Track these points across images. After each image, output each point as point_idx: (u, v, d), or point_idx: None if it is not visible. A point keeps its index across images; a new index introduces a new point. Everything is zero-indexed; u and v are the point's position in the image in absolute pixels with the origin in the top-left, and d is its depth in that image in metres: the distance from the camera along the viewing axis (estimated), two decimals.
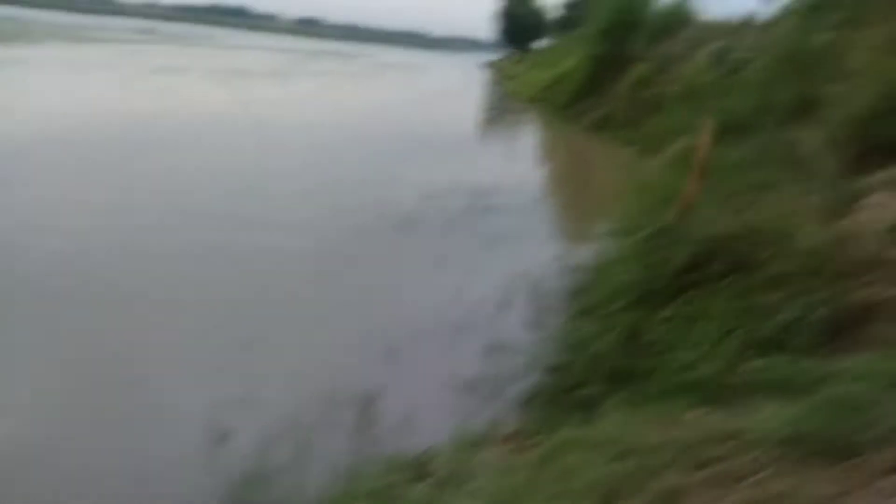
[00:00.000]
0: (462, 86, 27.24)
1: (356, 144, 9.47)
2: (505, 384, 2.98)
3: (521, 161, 10.08)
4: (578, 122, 12.83)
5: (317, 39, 79.38)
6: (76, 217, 4.94)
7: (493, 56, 54.07)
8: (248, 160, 7.79)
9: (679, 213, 3.00)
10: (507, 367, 3.10)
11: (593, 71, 13.18)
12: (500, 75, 32.89)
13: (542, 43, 37.33)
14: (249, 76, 19.56)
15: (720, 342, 2.15)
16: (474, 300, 3.87)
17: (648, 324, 2.52)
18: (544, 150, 11.83)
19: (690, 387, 2.01)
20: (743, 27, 10.78)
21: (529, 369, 3.02)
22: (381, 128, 11.44)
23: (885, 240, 2.23)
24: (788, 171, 3.13)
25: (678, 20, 12.42)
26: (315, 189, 6.52)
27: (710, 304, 2.38)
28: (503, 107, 19.76)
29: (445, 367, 3.15)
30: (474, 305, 3.81)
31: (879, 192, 2.64)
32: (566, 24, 30.39)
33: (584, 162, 10.69)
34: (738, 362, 1.98)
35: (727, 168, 3.55)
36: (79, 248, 4.30)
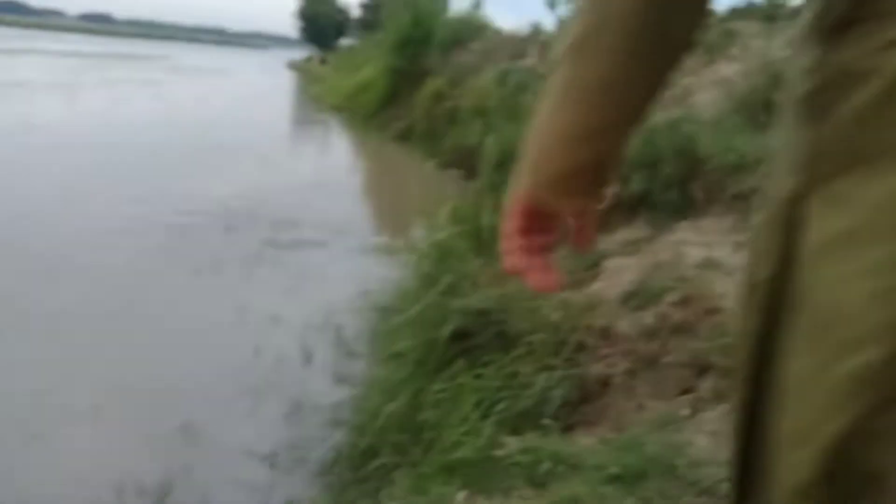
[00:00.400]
0: (266, 91, 26.55)
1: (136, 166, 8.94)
2: (306, 452, 3.07)
3: (328, 178, 10.10)
4: (383, 132, 13.08)
5: (107, 38, 73.88)
6: None
7: (296, 54, 53.04)
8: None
9: (457, 274, 3.23)
10: (308, 432, 3.18)
11: (393, 82, 13.49)
12: (305, 78, 32.55)
13: (346, 41, 37.39)
14: (27, 89, 17.48)
15: (484, 418, 2.36)
16: (276, 355, 3.89)
17: (427, 393, 2.71)
18: (351, 165, 11.94)
19: (457, 466, 2.21)
20: (532, 38, 11.53)
21: (328, 435, 3.13)
22: (179, 143, 10.94)
23: (618, 310, 2.55)
24: None
25: (470, 31, 13.03)
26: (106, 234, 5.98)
27: (479, 376, 2.60)
28: (309, 117, 19.52)
29: (245, 437, 3.14)
30: (276, 361, 3.84)
31: (616, 255, 3.02)
32: (368, 23, 30.70)
33: (388, 179, 10.88)
34: (496, 440, 2.19)
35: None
36: None
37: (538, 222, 0.69)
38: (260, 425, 3.32)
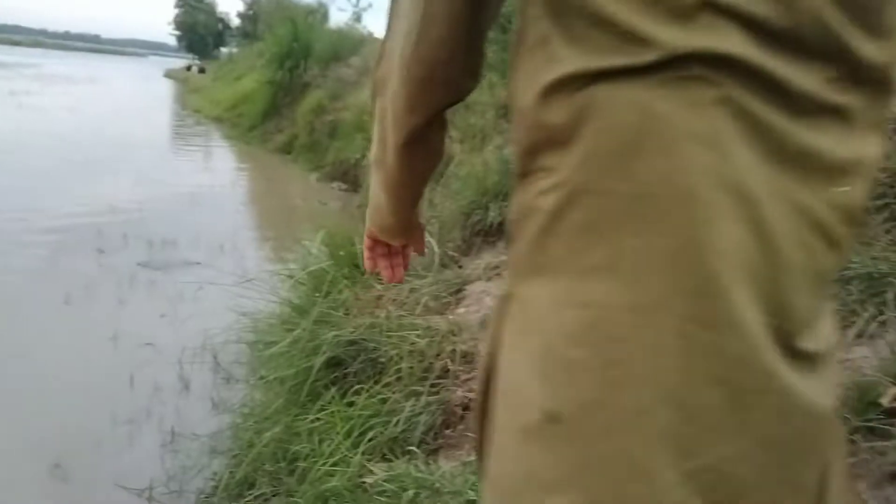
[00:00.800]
0: (143, 101, 25.41)
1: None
2: (184, 483, 3.07)
3: (208, 194, 9.86)
4: (264, 145, 12.96)
5: None
6: None
7: (173, 63, 51.17)
8: None
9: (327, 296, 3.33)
10: (186, 462, 3.17)
11: (273, 94, 13.39)
12: (183, 87, 31.54)
13: (225, 50, 36.44)
14: None
15: (355, 446, 2.49)
16: (152, 383, 3.84)
17: (302, 421, 2.80)
18: (232, 180, 11.72)
19: (329, 496, 2.32)
20: None
21: (206, 465, 3.14)
22: (47, 158, 10.36)
23: (479, 334, 2.73)
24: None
25: (350, 44, 13.13)
26: None
27: (351, 404, 2.72)
28: (188, 129, 18.84)
29: (119, 471, 3.09)
30: (152, 390, 3.79)
31: (478, 280, 3.23)
32: (247, 32, 30.10)
33: (270, 194, 10.75)
34: (365, 468, 2.32)
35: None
36: None
37: (383, 245, 1.11)
38: (135, 458, 3.28)
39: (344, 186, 9.75)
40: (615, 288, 0.63)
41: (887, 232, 2.69)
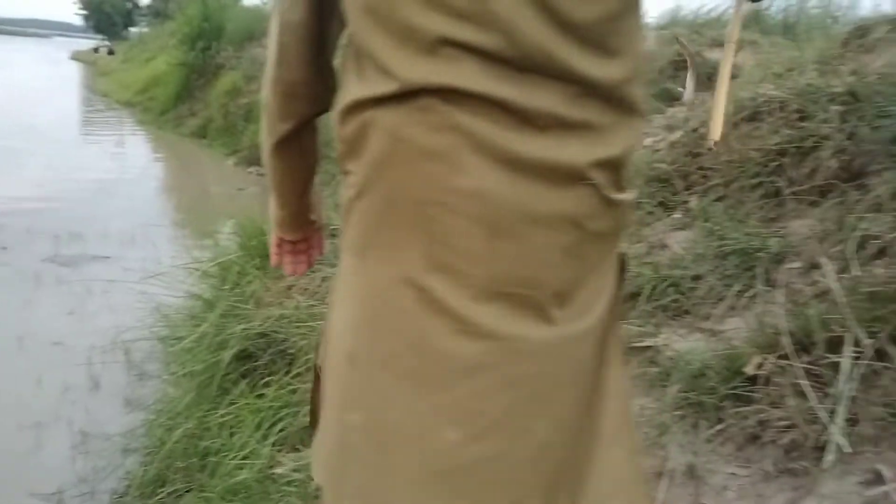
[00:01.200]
0: (49, 85, 24.14)
1: None
2: (95, 484, 3.05)
3: (119, 183, 9.54)
4: (178, 129, 12.61)
5: None
6: None
7: (81, 44, 48.77)
8: None
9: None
10: (98, 462, 3.14)
11: (185, 77, 13.00)
12: (91, 70, 30.18)
13: (135, 30, 35.00)
14: None
15: (265, 438, 2.53)
16: (61, 383, 3.76)
17: (213, 416, 2.83)
18: (144, 166, 11.35)
19: (239, 489, 2.37)
20: None
21: (119, 464, 3.12)
22: None
23: None
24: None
25: (264, 24, 12.81)
26: None
27: (260, 396, 2.76)
28: (98, 114, 18.04)
29: (28, 477, 3.04)
30: (61, 390, 3.72)
31: None
32: (158, 12, 28.99)
33: (184, 180, 10.43)
34: (275, 460, 2.37)
35: None
36: None
37: (289, 242, 1.23)
38: (45, 461, 3.23)
39: (262, 171, 9.57)
40: (379, 266, 0.85)
41: (760, 209, 2.89)
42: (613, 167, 0.86)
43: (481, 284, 0.81)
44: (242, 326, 2.91)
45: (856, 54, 3.23)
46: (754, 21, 6.05)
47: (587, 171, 0.82)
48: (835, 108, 2.87)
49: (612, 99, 0.84)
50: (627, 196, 0.91)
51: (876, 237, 2.23)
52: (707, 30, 5.78)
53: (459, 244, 0.80)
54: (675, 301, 2.71)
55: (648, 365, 2.44)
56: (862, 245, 2.27)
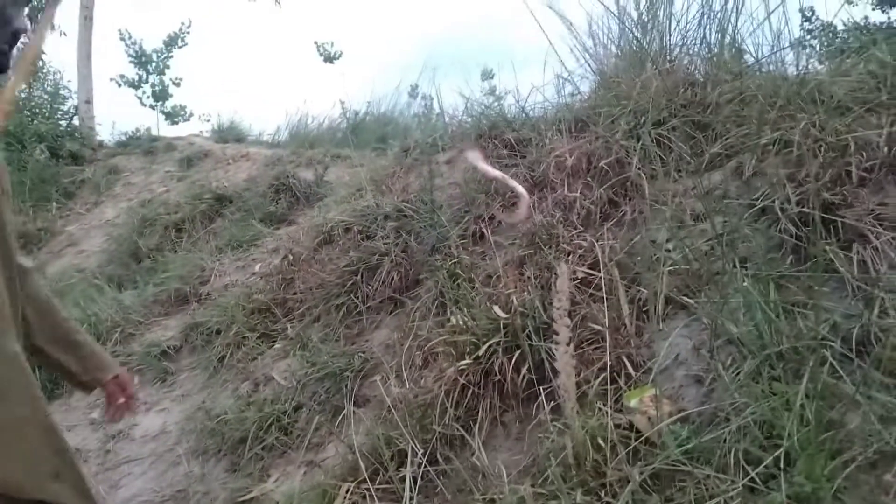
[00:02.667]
0: None
1: None
2: None
3: None
4: None
5: None
6: None
7: None
8: None
9: None
10: None
11: None
12: None
13: None
14: None
15: None
16: None
17: None
18: None
19: None
20: None
21: None
22: None
23: None
24: None
25: None
26: None
27: None
28: None
29: None
30: None
31: None
32: None
33: None
34: None
35: None
36: None
37: None
38: None
39: None
40: None
41: (346, 327, 3.09)
42: None
43: None
44: None
45: (402, 173, 3.66)
46: (354, 133, 6.56)
47: None
48: (390, 224, 3.20)
49: None
50: None
51: (424, 343, 2.49)
52: (304, 149, 6.10)
53: None
54: (278, 439, 2.73)
55: None
56: (420, 351, 2.53)
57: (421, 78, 8.09)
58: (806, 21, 8.07)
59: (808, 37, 7.85)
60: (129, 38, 10.74)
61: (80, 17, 9.61)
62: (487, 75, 7.57)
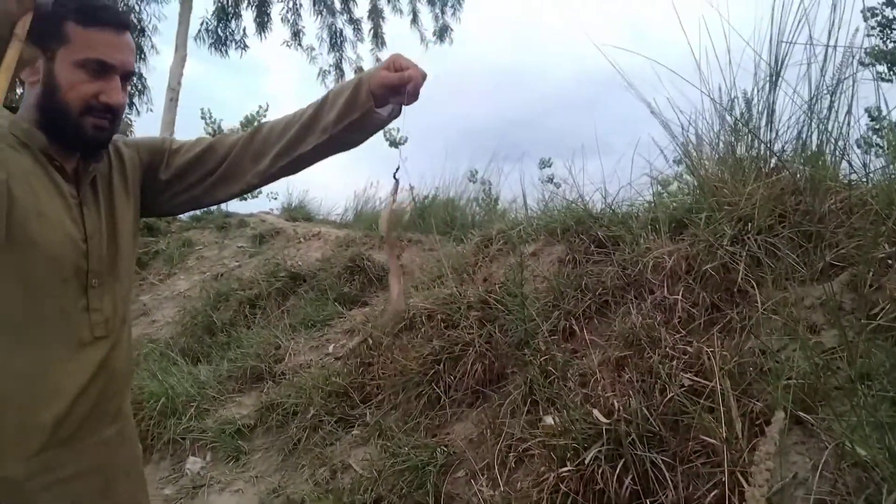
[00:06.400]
0: None
1: None
2: None
3: None
4: None
5: None
6: None
7: None
8: None
9: None
10: None
11: None
12: None
13: None
14: None
15: None
16: None
17: None
18: None
19: None
20: None
21: None
22: None
23: None
24: None
25: None
26: None
27: None
28: None
29: None
30: None
31: None
32: None
33: None
34: None
35: None
36: None
37: None
38: None
39: None
40: None
41: (426, 417, 3.05)
42: None
43: None
44: None
45: (485, 262, 3.69)
46: (420, 218, 6.64)
47: None
48: (474, 314, 3.20)
49: None
50: None
51: (516, 443, 2.44)
52: (374, 230, 6.19)
53: None
54: None
55: None
56: (510, 450, 2.47)
57: (487, 164, 8.12)
58: None
59: None
60: (210, 117, 11.25)
61: (166, 99, 10.17)
62: (545, 164, 7.72)
